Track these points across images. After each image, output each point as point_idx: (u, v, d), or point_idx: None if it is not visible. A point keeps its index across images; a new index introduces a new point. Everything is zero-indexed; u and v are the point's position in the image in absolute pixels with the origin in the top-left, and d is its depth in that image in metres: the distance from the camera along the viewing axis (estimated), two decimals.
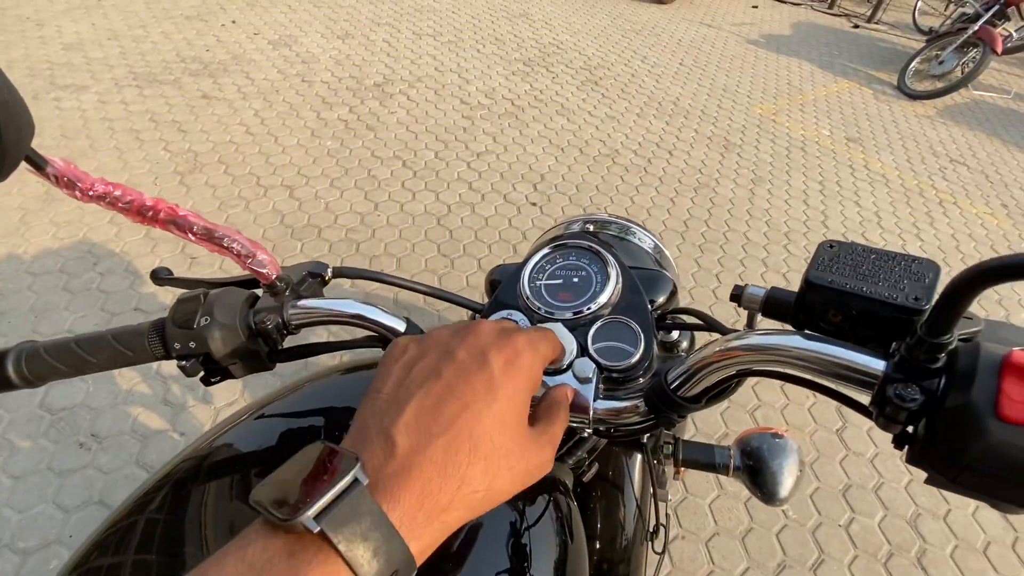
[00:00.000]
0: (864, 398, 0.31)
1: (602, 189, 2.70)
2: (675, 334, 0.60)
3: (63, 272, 1.90)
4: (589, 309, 0.50)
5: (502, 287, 0.53)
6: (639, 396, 0.44)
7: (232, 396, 1.59)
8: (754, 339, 0.34)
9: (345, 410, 0.50)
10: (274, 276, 0.43)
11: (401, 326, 0.45)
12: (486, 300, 0.57)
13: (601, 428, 0.46)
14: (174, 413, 1.53)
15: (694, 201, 2.70)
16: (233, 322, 0.40)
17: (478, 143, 2.92)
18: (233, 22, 3.89)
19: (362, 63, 3.55)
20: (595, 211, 2.55)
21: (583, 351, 0.48)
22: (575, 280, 0.52)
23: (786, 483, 0.57)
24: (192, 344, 0.39)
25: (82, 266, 1.93)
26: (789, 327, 0.36)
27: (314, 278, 0.48)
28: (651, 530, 0.66)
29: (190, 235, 0.40)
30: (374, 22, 4.17)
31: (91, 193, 0.38)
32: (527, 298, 0.52)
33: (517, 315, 0.51)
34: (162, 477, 0.47)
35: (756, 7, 5.96)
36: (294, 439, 0.46)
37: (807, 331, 0.33)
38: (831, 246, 0.35)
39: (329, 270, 0.49)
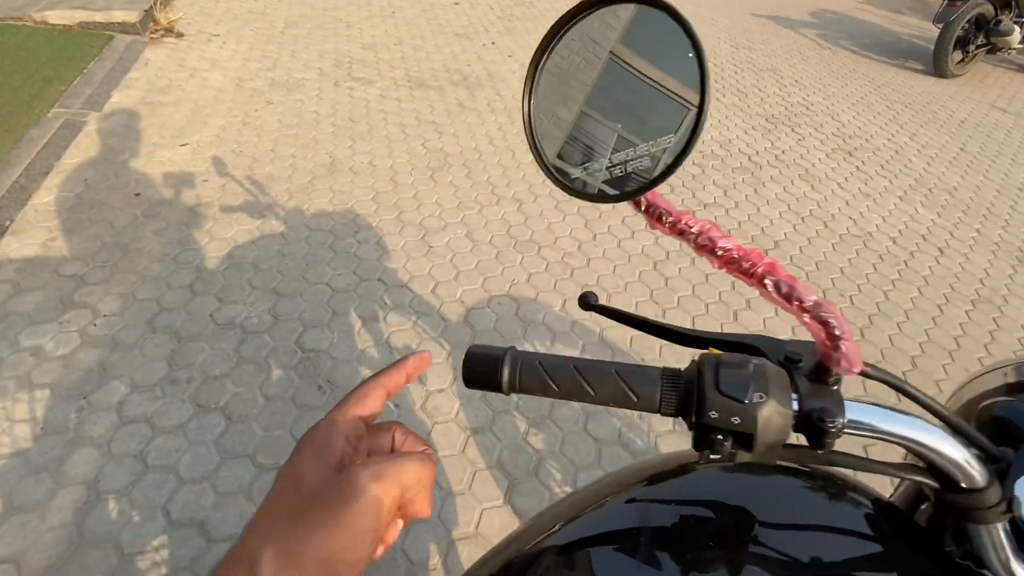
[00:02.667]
0: None
1: (847, 273, 2.34)
2: None
3: (331, 233, 2.21)
4: None
5: None
6: None
7: (443, 383, 1.66)
8: None
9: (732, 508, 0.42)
10: (857, 371, 0.35)
11: (980, 478, 0.34)
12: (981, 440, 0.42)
13: None
14: None
15: (970, 316, 2.20)
16: (788, 408, 0.34)
17: (706, 193, 2.77)
18: (492, 43, 4.30)
19: None
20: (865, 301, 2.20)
21: None
22: None
23: None
24: (735, 419, 0.33)
25: (346, 231, 2.22)
26: None
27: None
28: None
29: (788, 303, 0.34)
30: None
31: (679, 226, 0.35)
32: None
33: None
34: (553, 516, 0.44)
35: None
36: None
37: None
38: None
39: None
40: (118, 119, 2.78)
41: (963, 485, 0.34)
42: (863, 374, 0.37)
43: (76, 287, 1.84)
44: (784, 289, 0.33)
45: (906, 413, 0.35)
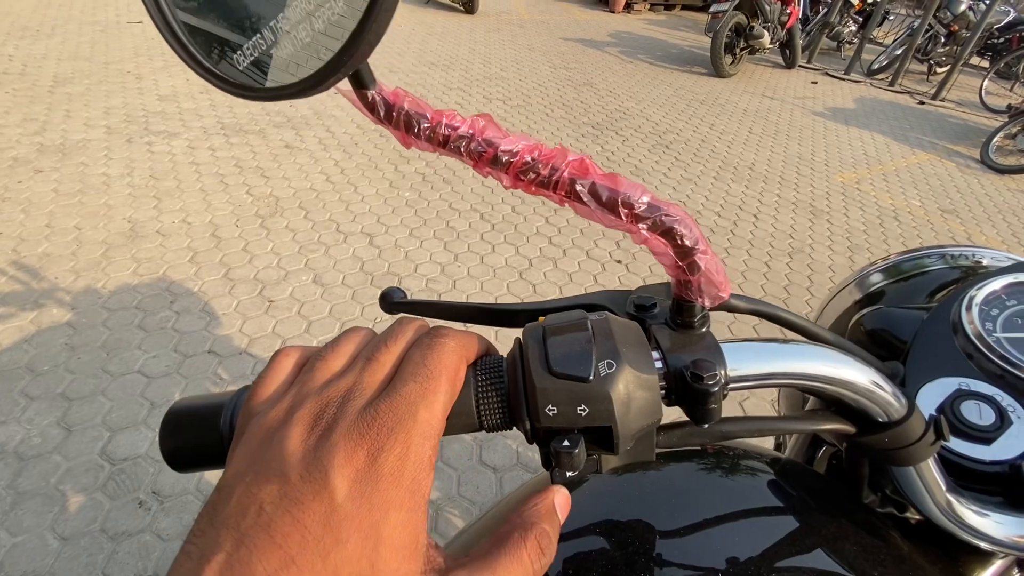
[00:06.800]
0: None
1: None
2: None
3: (139, 309, 1.82)
4: None
5: (921, 343, 0.35)
6: None
7: None
8: None
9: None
10: (726, 295, 0.25)
11: (898, 404, 0.27)
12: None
13: None
14: None
15: (791, 266, 2.50)
16: (651, 371, 0.23)
17: (560, 210, 2.84)
18: None
19: None
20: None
21: None
22: None
23: None
24: (582, 409, 0.21)
25: (159, 304, 1.84)
26: None
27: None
28: None
29: (614, 214, 0.23)
30: (446, 87, 4.31)
31: (436, 133, 0.23)
32: (1006, 362, 0.34)
33: (984, 387, 0.33)
34: None
35: (815, 83, 5.99)
36: None
37: None
38: None
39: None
40: None
41: (880, 420, 0.28)
42: (728, 308, 0.29)
43: None
44: (604, 195, 0.23)
45: (795, 342, 0.27)
